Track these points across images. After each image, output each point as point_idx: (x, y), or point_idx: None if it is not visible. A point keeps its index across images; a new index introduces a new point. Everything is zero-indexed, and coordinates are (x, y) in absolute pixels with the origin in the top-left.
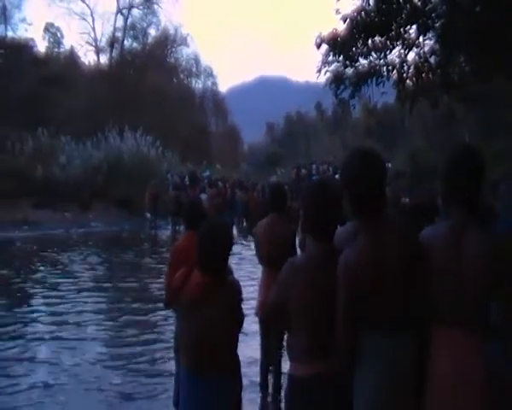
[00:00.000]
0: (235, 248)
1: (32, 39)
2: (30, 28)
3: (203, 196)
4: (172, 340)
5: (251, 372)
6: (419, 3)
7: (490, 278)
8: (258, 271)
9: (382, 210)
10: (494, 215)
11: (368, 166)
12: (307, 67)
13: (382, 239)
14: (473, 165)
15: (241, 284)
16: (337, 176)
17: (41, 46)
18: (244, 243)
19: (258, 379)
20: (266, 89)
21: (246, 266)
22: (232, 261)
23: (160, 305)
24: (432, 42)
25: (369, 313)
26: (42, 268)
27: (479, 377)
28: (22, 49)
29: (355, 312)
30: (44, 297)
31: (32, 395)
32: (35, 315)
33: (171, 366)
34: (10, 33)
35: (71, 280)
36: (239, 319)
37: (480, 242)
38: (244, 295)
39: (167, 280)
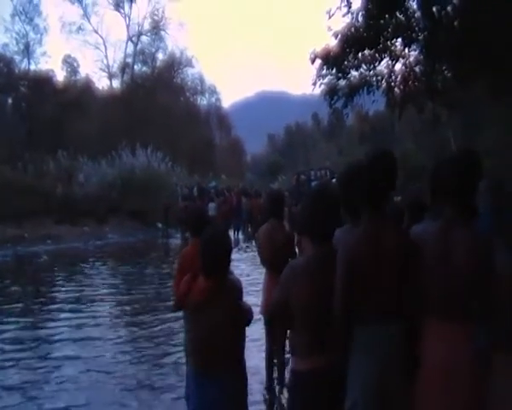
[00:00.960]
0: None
1: (51, 70)
2: (49, 60)
3: (212, 205)
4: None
5: (256, 367)
6: (403, 19)
7: (475, 274)
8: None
9: (381, 210)
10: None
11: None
12: (304, 80)
13: (380, 233)
14: (462, 167)
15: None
16: (334, 180)
17: (60, 76)
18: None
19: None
20: (267, 103)
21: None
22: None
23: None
24: (416, 53)
25: (363, 302)
26: (64, 278)
27: (469, 366)
28: (43, 80)
29: (351, 299)
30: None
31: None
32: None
33: None
34: (33, 66)
35: (92, 288)
36: (247, 316)
37: (466, 240)
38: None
39: (175, 286)
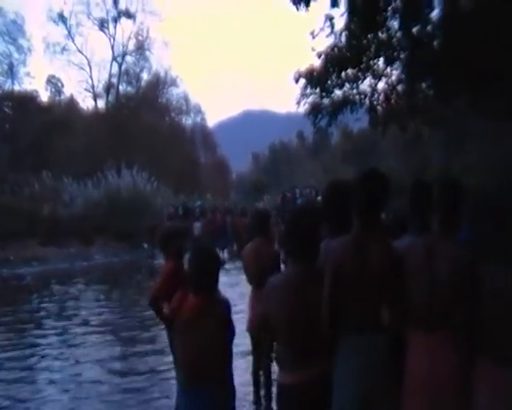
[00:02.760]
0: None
1: (35, 91)
2: (33, 81)
3: (197, 225)
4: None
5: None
6: (385, 38)
7: (459, 287)
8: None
9: (370, 223)
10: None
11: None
12: (288, 98)
13: (366, 245)
14: (446, 187)
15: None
16: (319, 198)
17: (44, 96)
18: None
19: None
20: (251, 122)
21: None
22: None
23: None
24: (398, 71)
25: (347, 311)
26: (49, 301)
27: (452, 378)
28: (27, 100)
29: (336, 307)
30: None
31: None
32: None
33: None
34: (17, 87)
35: (76, 310)
36: (231, 333)
37: (450, 254)
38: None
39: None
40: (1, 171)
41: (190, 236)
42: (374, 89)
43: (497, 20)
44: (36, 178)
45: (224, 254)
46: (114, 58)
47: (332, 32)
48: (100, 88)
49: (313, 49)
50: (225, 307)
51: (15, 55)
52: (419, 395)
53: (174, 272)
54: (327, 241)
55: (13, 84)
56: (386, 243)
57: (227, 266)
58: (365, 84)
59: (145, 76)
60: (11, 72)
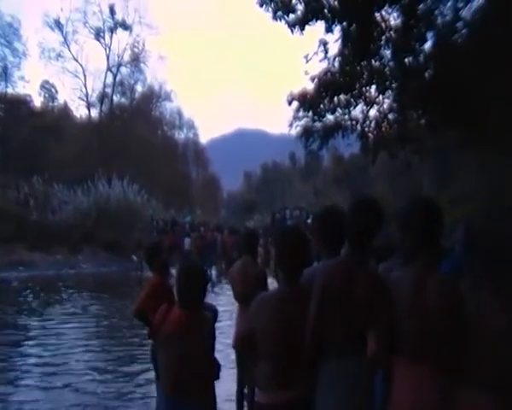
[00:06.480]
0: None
1: (29, 95)
2: (27, 85)
3: (187, 240)
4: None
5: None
6: (378, 66)
7: (446, 318)
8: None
9: (360, 249)
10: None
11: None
12: (282, 120)
13: (354, 271)
14: (430, 217)
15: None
16: (309, 220)
17: (37, 101)
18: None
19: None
20: (244, 140)
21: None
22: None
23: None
24: (390, 100)
25: (330, 334)
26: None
27: (437, 406)
28: (20, 103)
29: (320, 328)
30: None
31: None
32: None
33: None
34: (10, 90)
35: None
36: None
37: (438, 285)
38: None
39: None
40: None
41: (179, 251)
42: (365, 115)
43: (488, 54)
44: (26, 182)
45: (212, 271)
46: (109, 68)
47: (325, 56)
48: (94, 97)
49: (306, 73)
50: (209, 323)
51: (10, 58)
52: None
53: (158, 286)
54: (316, 264)
55: (6, 86)
56: (374, 272)
57: (215, 286)
58: (357, 111)
59: (139, 88)
60: (5, 74)
